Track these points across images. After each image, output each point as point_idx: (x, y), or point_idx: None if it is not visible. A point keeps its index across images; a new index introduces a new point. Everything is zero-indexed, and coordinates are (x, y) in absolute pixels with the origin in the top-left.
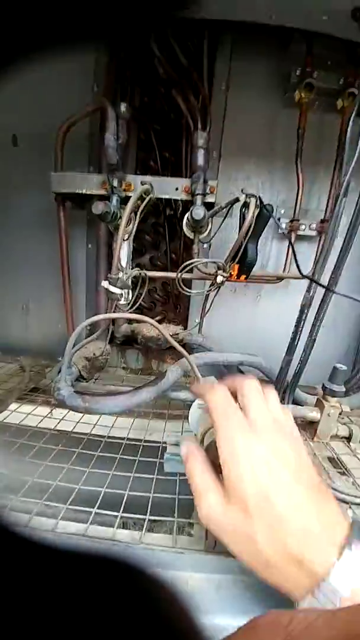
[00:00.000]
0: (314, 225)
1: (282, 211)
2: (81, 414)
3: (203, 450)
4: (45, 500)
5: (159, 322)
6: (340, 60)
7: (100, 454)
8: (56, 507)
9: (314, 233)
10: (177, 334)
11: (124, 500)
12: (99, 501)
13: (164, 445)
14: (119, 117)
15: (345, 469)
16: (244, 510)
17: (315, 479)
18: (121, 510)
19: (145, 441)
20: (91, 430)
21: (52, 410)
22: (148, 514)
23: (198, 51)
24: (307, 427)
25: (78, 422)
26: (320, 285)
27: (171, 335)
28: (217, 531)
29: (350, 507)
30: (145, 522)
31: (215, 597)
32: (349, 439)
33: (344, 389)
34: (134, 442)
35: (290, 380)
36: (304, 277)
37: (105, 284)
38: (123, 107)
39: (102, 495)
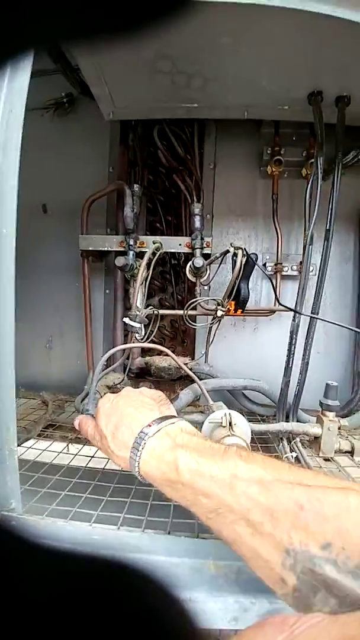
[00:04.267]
0: (294, 267)
1: (267, 257)
2: (96, 449)
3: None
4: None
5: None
6: (303, 134)
7: (117, 485)
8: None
9: (295, 273)
10: (186, 363)
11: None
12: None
13: None
14: (134, 195)
15: (352, 480)
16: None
17: (147, 404)
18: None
19: None
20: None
21: (68, 445)
22: (147, 514)
23: (191, 141)
24: (312, 443)
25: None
26: (299, 313)
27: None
28: (94, 442)
29: None
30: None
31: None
32: (352, 453)
33: (338, 403)
34: None
35: (292, 401)
36: (287, 308)
37: (126, 320)
38: (136, 187)
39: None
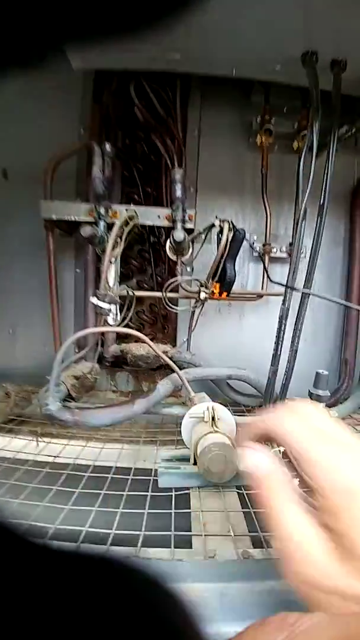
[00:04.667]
0: (284, 248)
1: (255, 237)
2: (64, 445)
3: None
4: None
5: None
6: (294, 106)
7: (92, 474)
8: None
9: (284, 255)
10: (167, 351)
11: (116, 520)
12: (89, 520)
13: (156, 468)
14: (104, 155)
15: None
16: None
17: None
18: (114, 528)
19: (136, 469)
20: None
21: (36, 438)
22: (143, 529)
23: (172, 101)
24: None
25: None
26: (292, 288)
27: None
28: (323, 598)
29: None
30: (141, 537)
31: (219, 605)
32: None
33: (328, 393)
34: (124, 468)
35: (279, 391)
36: (280, 284)
37: (94, 299)
38: (107, 146)
39: (92, 515)
